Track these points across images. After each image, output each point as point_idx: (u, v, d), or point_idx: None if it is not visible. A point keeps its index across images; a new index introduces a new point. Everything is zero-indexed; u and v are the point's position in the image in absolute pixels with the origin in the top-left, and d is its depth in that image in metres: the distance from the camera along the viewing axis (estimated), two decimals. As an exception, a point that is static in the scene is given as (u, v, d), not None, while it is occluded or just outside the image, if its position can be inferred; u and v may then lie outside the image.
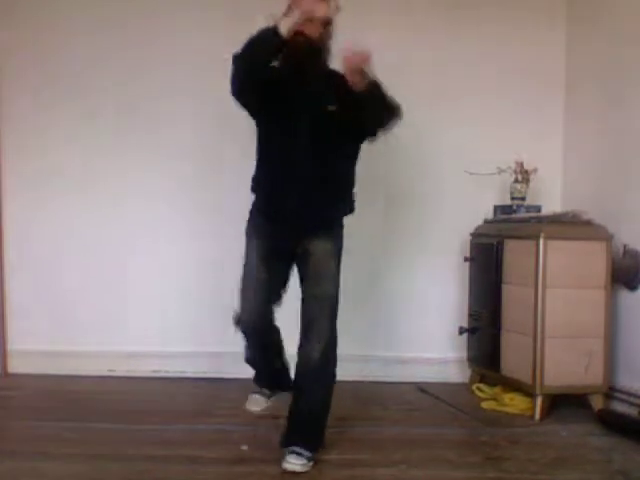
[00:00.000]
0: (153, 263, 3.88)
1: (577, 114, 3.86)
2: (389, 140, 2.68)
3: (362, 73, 2.37)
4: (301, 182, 2.50)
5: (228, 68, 2.46)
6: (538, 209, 3.58)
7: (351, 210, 2.72)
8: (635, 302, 3.25)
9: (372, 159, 3.88)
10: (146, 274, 3.87)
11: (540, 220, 3.32)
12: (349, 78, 2.36)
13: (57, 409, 3.19)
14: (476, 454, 2.70)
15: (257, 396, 2.79)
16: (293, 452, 2.47)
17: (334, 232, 2.65)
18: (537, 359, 3.13)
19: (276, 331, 2.68)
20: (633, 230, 3.28)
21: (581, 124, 3.81)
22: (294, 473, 2.43)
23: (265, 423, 3.00)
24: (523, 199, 3.61)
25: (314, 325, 2.54)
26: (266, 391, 2.80)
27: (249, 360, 2.76)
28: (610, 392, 3.27)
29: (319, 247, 2.56)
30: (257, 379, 2.82)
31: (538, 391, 3.14)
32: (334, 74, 2.52)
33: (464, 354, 3.74)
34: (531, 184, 3.63)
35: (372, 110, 2.48)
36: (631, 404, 3.17)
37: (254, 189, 2.62)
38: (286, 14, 2.42)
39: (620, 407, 3.22)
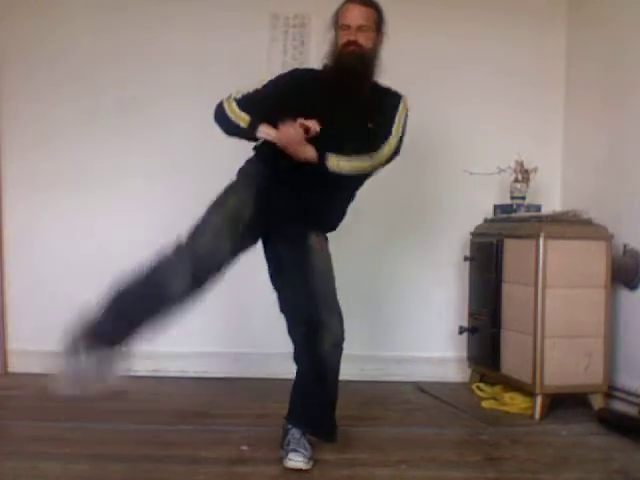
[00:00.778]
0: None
1: (577, 114, 3.86)
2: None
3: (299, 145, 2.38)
4: (313, 178, 2.46)
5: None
6: (538, 208, 3.58)
7: (335, 227, 2.72)
8: (635, 302, 3.25)
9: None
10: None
11: (540, 219, 3.32)
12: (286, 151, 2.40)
13: (57, 409, 3.18)
14: (476, 454, 2.70)
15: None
16: (300, 449, 2.46)
17: (326, 236, 2.66)
18: (537, 358, 3.13)
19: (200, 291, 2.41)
20: (633, 230, 3.28)
21: (581, 124, 3.82)
22: (295, 472, 2.44)
23: (265, 423, 3.00)
24: (523, 198, 3.61)
25: (327, 325, 2.51)
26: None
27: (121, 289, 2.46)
28: (610, 392, 3.27)
29: (323, 244, 2.59)
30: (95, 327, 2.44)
31: (538, 390, 3.14)
32: (387, 93, 2.62)
33: (464, 353, 3.75)
34: (531, 183, 3.63)
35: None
36: (631, 404, 3.17)
37: (263, 159, 2.54)
38: None
39: (620, 407, 3.22)
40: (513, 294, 3.33)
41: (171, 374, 3.81)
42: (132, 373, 3.74)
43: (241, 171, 2.60)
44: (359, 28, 2.52)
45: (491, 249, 3.47)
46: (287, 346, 2.71)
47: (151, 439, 2.76)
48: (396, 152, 2.59)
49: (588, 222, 3.30)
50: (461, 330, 3.67)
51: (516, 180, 3.62)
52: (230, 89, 2.58)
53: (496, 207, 3.72)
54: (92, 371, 2.34)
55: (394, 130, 2.56)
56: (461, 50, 3.90)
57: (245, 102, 2.54)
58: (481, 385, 3.58)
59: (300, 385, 2.57)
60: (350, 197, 2.70)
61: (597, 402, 3.20)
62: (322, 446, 2.60)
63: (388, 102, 2.61)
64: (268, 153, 2.51)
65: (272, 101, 2.53)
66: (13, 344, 3.89)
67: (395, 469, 2.49)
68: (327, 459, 2.58)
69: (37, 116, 3.88)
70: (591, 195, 3.61)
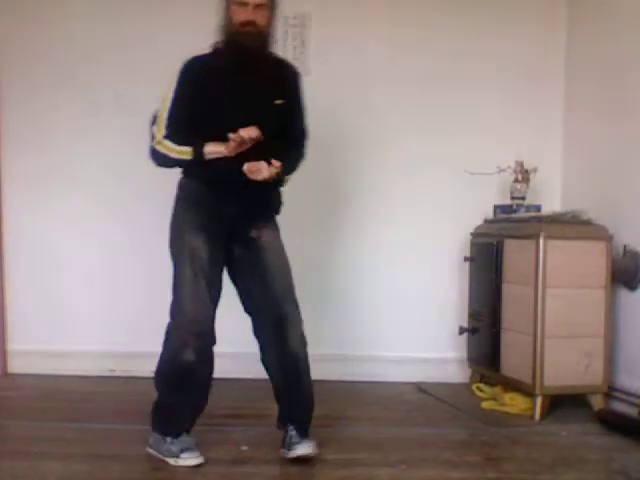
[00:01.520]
0: (154, 263, 3.86)
1: (577, 114, 3.85)
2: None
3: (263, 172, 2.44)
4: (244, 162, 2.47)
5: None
6: (538, 209, 3.58)
7: (279, 211, 2.70)
8: (635, 302, 3.25)
9: (371, 159, 3.92)
10: (147, 274, 3.86)
11: (540, 220, 3.32)
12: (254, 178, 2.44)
13: (57, 409, 3.19)
14: (476, 454, 2.70)
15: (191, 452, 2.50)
16: (305, 439, 2.51)
17: (277, 224, 2.66)
18: (537, 359, 3.13)
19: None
20: (633, 230, 3.28)
21: (581, 124, 3.81)
22: (295, 472, 2.44)
23: (265, 423, 3.00)
24: (523, 199, 3.60)
25: (291, 318, 2.54)
26: (190, 439, 2.53)
27: (169, 393, 2.52)
28: (610, 392, 3.27)
29: (274, 238, 2.60)
30: (172, 424, 2.52)
31: (538, 391, 3.14)
32: (283, 65, 2.64)
33: (464, 354, 3.74)
34: (531, 184, 3.63)
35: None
36: (631, 404, 3.17)
37: (194, 172, 2.54)
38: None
39: (620, 407, 3.22)
40: (513, 294, 3.33)
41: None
42: (133, 374, 3.78)
43: (186, 201, 2.59)
44: (257, 7, 2.45)
45: (491, 249, 3.47)
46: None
47: (151, 439, 2.75)
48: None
49: (588, 222, 3.30)
50: (461, 330, 3.67)
51: (516, 180, 3.62)
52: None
53: (496, 207, 3.72)
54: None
55: (304, 116, 2.66)
56: (461, 50, 3.90)
57: (173, 127, 2.48)
58: (481, 385, 3.58)
59: (279, 386, 2.60)
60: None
61: (597, 402, 3.20)
62: (322, 446, 2.60)
63: (290, 78, 2.65)
64: (204, 171, 2.50)
65: (194, 101, 2.49)
66: (13, 344, 3.90)
67: (395, 469, 2.49)
68: (327, 459, 2.58)
69: (36, 113, 3.88)
70: (591, 195, 3.61)
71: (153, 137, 2.51)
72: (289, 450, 2.50)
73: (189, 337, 2.46)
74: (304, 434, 2.52)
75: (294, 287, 2.58)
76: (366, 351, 3.86)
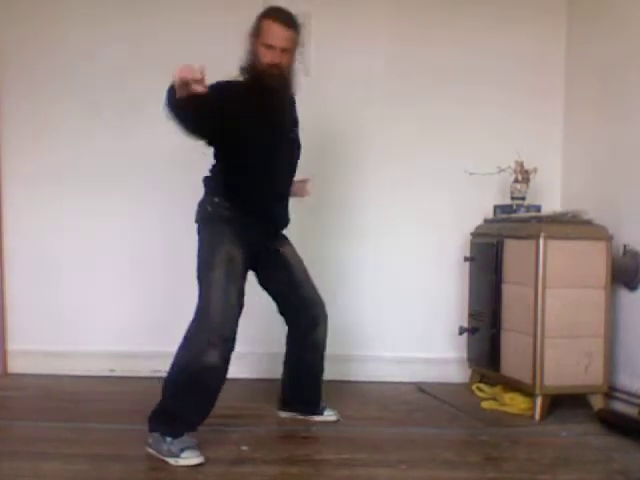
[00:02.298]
0: (154, 263, 3.88)
1: (577, 114, 3.85)
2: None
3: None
4: (279, 193, 2.85)
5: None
6: (538, 209, 3.58)
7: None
8: (635, 302, 3.25)
9: (371, 158, 3.92)
10: (147, 274, 3.87)
11: (540, 220, 3.32)
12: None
13: (57, 409, 3.19)
14: (476, 454, 2.70)
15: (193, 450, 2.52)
16: (324, 409, 3.06)
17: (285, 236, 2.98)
18: (537, 359, 3.13)
19: None
20: (633, 230, 3.28)
21: (581, 124, 3.81)
22: (295, 472, 2.44)
23: (265, 423, 3.01)
24: (523, 199, 3.60)
25: (323, 321, 2.97)
26: (190, 438, 2.56)
27: (181, 396, 2.55)
28: (610, 392, 3.27)
29: (291, 247, 2.94)
30: (176, 427, 2.54)
31: (538, 391, 3.14)
32: (293, 100, 2.91)
33: (464, 354, 3.74)
34: (531, 184, 3.63)
35: None
36: (631, 404, 3.17)
37: (232, 196, 2.71)
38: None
39: (620, 407, 3.22)
40: (513, 294, 3.33)
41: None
42: (133, 374, 3.78)
43: (223, 218, 2.70)
44: (283, 50, 2.65)
45: (491, 249, 3.47)
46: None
47: (151, 439, 2.75)
48: None
49: (588, 222, 3.30)
50: (461, 330, 3.67)
51: (516, 180, 3.62)
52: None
53: (496, 207, 3.72)
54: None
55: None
56: (461, 50, 3.91)
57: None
58: (481, 385, 3.58)
59: (302, 373, 3.01)
60: None
61: (597, 402, 3.20)
62: (322, 446, 2.59)
63: (294, 106, 2.94)
64: (234, 193, 2.72)
65: (225, 104, 2.57)
66: (13, 344, 3.90)
67: (395, 469, 2.49)
68: (327, 459, 2.58)
69: (36, 113, 3.88)
70: (591, 195, 3.61)
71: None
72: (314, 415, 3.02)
73: (216, 339, 2.53)
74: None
75: (313, 282, 2.96)
76: (366, 351, 3.86)
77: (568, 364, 3.15)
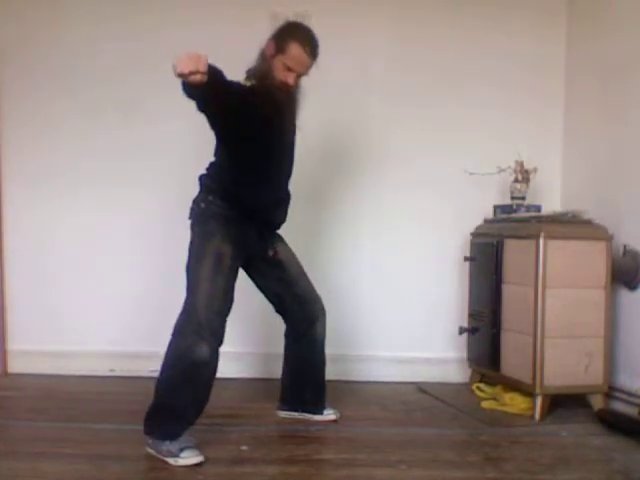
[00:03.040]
0: (154, 263, 3.88)
1: (577, 114, 3.85)
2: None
3: None
4: (279, 197, 2.86)
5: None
6: (538, 209, 3.58)
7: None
8: (635, 302, 3.25)
9: (370, 158, 3.92)
10: (148, 274, 3.87)
11: (540, 220, 3.32)
12: None
13: (57, 409, 3.19)
14: (476, 454, 2.70)
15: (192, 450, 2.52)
16: (325, 408, 3.06)
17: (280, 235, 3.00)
18: (537, 359, 3.13)
19: None
20: (633, 230, 3.28)
21: (581, 124, 3.81)
22: (295, 472, 2.44)
23: (265, 423, 3.00)
24: (523, 199, 3.60)
25: (321, 316, 2.99)
26: (189, 437, 2.56)
27: (174, 392, 2.54)
28: (610, 392, 3.27)
29: (286, 247, 2.96)
30: (172, 426, 2.54)
31: (538, 391, 3.14)
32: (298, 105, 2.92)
33: (464, 354, 3.74)
34: (531, 184, 3.63)
35: None
36: (631, 404, 3.17)
37: (231, 195, 2.72)
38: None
39: (620, 407, 3.22)
40: (513, 294, 3.33)
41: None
42: (133, 374, 3.78)
43: (218, 215, 2.70)
44: (300, 75, 2.73)
45: (491, 249, 3.47)
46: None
47: (151, 439, 2.75)
48: None
49: (588, 222, 3.30)
50: (461, 330, 3.67)
51: (516, 180, 3.62)
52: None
53: (496, 207, 3.72)
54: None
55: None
56: (461, 50, 3.91)
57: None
58: (481, 385, 3.58)
59: (304, 370, 3.02)
60: None
61: (597, 402, 3.20)
62: (322, 446, 2.59)
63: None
64: (234, 193, 2.72)
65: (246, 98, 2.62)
66: (13, 344, 3.90)
67: (395, 469, 2.49)
68: (327, 459, 2.58)
69: (36, 113, 3.88)
70: (591, 195, 3.61)
71: None
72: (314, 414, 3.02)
73: (205, 333, 2.53)
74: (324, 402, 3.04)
75: (312, 283, 2.98)
76: (366, 351, 3.86)
77: (568, 364, 3.15)
